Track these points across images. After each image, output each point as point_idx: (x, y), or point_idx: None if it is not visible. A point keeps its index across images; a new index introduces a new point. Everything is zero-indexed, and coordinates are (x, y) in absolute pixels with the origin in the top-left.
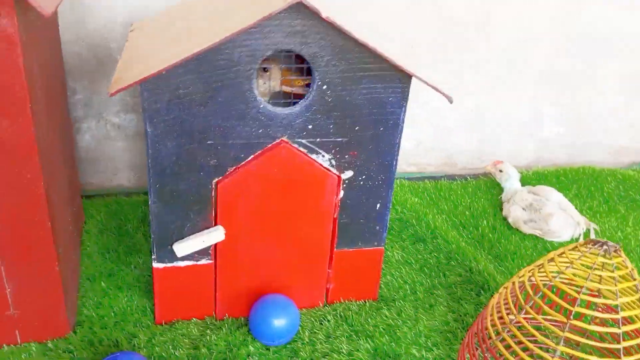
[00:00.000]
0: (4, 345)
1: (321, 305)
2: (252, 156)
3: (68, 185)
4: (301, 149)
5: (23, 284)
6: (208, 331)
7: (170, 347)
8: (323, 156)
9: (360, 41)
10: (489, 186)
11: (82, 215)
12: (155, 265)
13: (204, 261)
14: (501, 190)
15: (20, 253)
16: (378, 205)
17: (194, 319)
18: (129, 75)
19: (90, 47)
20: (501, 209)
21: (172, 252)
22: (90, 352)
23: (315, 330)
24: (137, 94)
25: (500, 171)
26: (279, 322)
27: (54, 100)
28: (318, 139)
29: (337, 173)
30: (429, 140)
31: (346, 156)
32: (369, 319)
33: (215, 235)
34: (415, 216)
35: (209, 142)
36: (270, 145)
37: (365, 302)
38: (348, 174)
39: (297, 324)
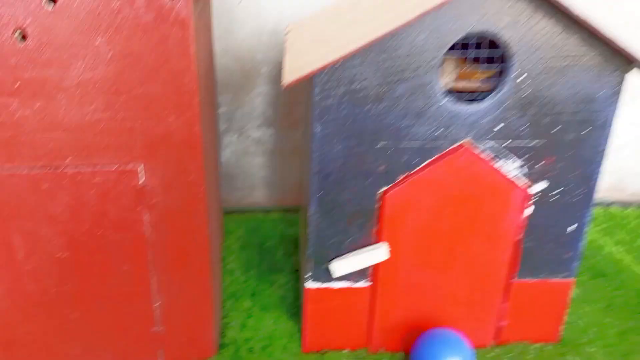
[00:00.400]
0: None
1: (490, 345)
2: (427, 161)
3: (215, 198)
4: (486, 153)
5: (173, 298)
6: None
7: None
8: (513, 162)
9: (582, 18)
10: None
11: (223, 231)
12: (307, 285)
13: (361, 283)
14: None
15: (175, 262)
16: (571, 227)
17: (346, 349)
18: (301, 64)
19: (236, 58)
20: None
21: (327, 271)
22: None
23: None
24: (283, 103)
25: None
26: None
27: (210, 104)
28: (508, 141)
29: (527, 184)
30: None
31: (541, 163)
32: None
33: (377, 253)
34: (590, 247)
35: (380, 144)
36: (449, 149)
37: (544, 345)
38: (540, 186)
39: None
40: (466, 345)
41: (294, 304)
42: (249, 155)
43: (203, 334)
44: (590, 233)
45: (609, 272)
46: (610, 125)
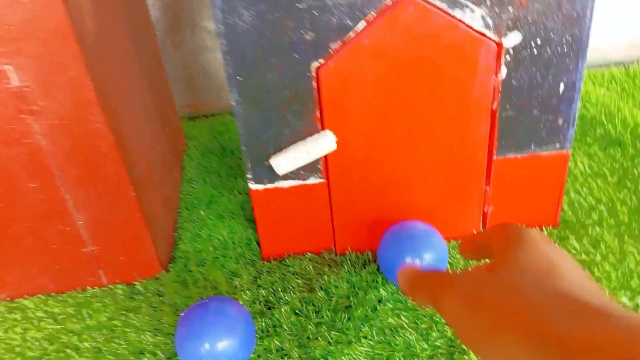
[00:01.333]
0: (88, 287)
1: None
2: (363, 22)
3: (155, 104)
4: (437, 2)
5: (96, 215)
6: (326, 269)
7: (280, 289)
8: (472, 11)
9: None
10: None
11: (182, 138)
12: (252, 186)
13: (313, 179)
14: None
15: (86, 176)
16: (562, 86)
17: (309, 253)
18: None
19: None
20: None
21: (270, 170)
22: (182, 296)
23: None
24: None
25: None
26: (418, 259)
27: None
28: None
29: (496, 38)
30: (613, 18)
31: (509, 8)
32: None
33: (322, 143)
34: (605, 112)
35: (299, 4)
36: (389, 2)
37: (541, 229)
38: (514, 38)
39: (445, 259)
40: (437, 236)
41: None
42: (208, 51)
43: (144, 251)
44: (607, 97)
45: (626, 140)
46: None
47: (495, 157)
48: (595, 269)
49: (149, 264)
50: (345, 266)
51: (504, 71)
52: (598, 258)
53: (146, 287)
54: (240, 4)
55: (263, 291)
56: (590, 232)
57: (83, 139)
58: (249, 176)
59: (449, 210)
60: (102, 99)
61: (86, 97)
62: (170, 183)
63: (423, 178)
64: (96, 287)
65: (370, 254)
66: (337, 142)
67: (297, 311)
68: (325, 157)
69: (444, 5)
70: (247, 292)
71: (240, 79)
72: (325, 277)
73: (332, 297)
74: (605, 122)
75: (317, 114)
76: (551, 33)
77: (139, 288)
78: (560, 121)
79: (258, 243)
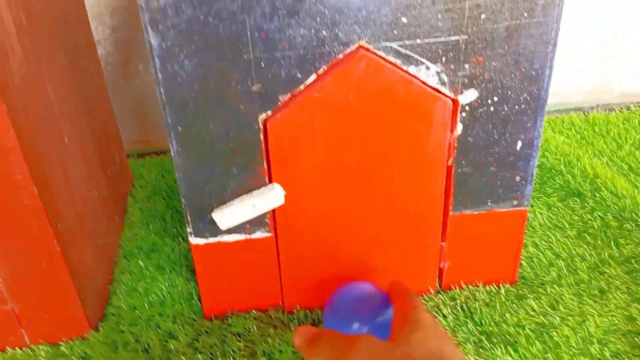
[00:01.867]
0: (8, 348)
1: (433, 292)
2: (314, 75)
3: (95, 145)
4: (391, 58)
5: (17, 270)
6: (271, 330)
7: (219, 353)
8: (428, 68)
9: None
10: None
11: (129, 177)
12: (193, 240)
13: (259, 234)
14: None
15: (2, 228)
16: (519, 144)
17: (254, 311)
18: None
19: None
20: None
21: (213, 223)
22: (112, 359)
23: None
24: None
25: None
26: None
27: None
28: (418, 40)
29: (452, 95)
30: (574, 61)
31: (466, 66)
32: (507, 315)
33: (270, 197)
34: (564, 160)
35: (246, 56)
36: (341, 56)
37: (499, 287)
38: (469, 95)
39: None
40: (384, 301)
41: None
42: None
43: (70, 308)
44: (567, 144)
45: (584, 191)
46: (560, 4)
47: (451, 213)
48: (554, 333)
49: (75, 323)
50: (292, 327)
51: (459, 128)
52: (557, 320)
53: (72, 348)
54: (182, 53)
55: (200, 356)
56: (548, 291)
57: (2, 191)
58: (189, 230)
59: (404, 266)
60: (25, 147)
61: (7, 146)
62: (109, 230)
63: (377, 234)
64: (17, 349)
65: (320, 312)
66: (285, 196)
67: None
68: (273, 210)
69: (398, 61)
70: (182, 357)
71: (181, 129)
72: (270, 340)
73: None
74: (564, 172)
75: (265, 166)
76: (508, 91)
77: (64, 350)
78: (518, 178)
79: (199, 298)
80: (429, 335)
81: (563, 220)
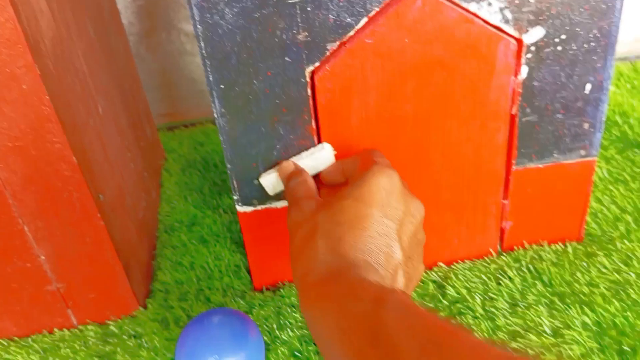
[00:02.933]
0: (56, 329)
1: (495, 254)
2: (365, 18)
3: (127, 117)
4: None
5: (61, 249)
6: None
7: (275, 326)
8: (490, 4)
9: None
10: None
11: (161, 151)
12: (240, 208)
13: None
14: None
15: (45, 205)
16: (588, 87)
17: None
18: None
19: None
20: None
21: (260, 189)
22: (162, 338)
23: (491, 294)
24: None
25: None
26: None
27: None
28: None
29: (517, 34)
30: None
31: (531, 1)
32: (578, 274)
33: (320, 157)
34: (618, 111)
35: (290, 0)
36: None
37: (565, 245)
38: (535, 33)
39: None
40: (244, 332)
41: None
42: (186, 55)
43: (117, 286)
44: (615, 95)
45: None
46: None
47: (514, 167)
48: (631, 291)
49: (123, 301)
50: None
51: (524, 71)
52: (632, 277)
53: (121, 327)
54: (222, 1)
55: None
56: (619, 247)
57: (41, 163)
58: (236, 197)
59: (463, 226)
60: (61, 115)
61: (42, 114)
62: (147, 204)
63: (435, 192)
64: (65, 330)
65: None
66: (337, 156)
67: (296, 352)
68: None
69: None
70: None
71: (224, 87)
72: None
73: None
74: (619, 122)
75: (313, 124)
76: (577, 27)
77: (113, 329)
78: (587, 125)
79: (248, 270)
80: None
81: (624, 173)
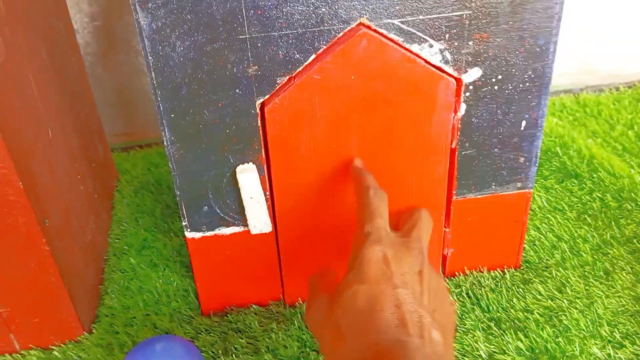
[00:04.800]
0: None
1: None
2: (313, 55)
3: (79, 138)
4: (393, 35)
5: (4, 272)
6: (274, 325)
7: (221, 351)
8: (431, 46)
9: None
10: None
11: (114, 173)
12: (188, 235)
13: None
14: None
15: None
16: (524, 123)
17: (254, 306)
18: None
19: None
20: None
21: (211, 214)
22: None
23: None
24: None
25: None
26: None
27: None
28: (420, 17)
29: (456, 74)
30: (561, 43)
31: (470, 43)
32: (515, 300)
33: (245, 186)
34: (559, 142)
35: (241, 35)
36: (341, 35)
37: (503, 272)
38: (473, 74)
39: None
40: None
41: None
42: (143, 75)
43: (61, 310)
44: (557, 127)
45: (581, 172)
46: None
47: (454, 197)
48: (564, 317)
49: (68, 326)
50: (296, 321)
51: (463, 108)
52: (565, 304)
53: (65, 352)
54: (174, 34)
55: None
56: (554, 274)
57: None
58: (185, 223)
59: None
60: (8, 141)
61: None
62: (96, 227)
63: None
64: (7, 355)
65: None
66: (285, 185)
67: None
68: (273, 200)
69: (400, 39)
70: None
71: (174, 116)
72: (273, 336)
73: (279, 359)
74: (560, 153)
75: (263, 154)
76: (513, 69)
77: (56, 354)
78: (522, 159)
79: (197, 295)
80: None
81: (562, 203)
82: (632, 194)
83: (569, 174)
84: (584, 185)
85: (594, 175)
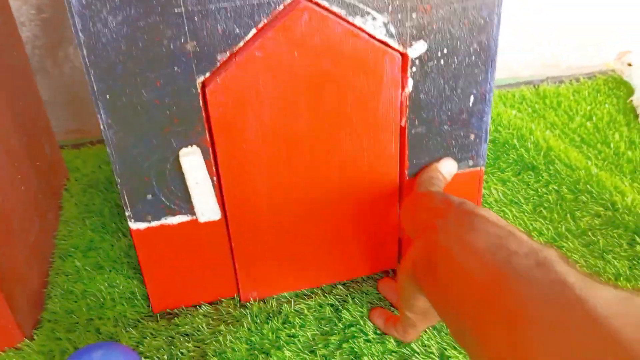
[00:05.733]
0: None
1: (394, 265)
2: (253, 29)
3: (21, 138)
4: (335, 8)
5: None
6: (222, 327)
7: (166, 356)
8: (374, 19)
9: None
10: (611, 87)
11: (63, 171)
12: (132, 225)
13: None
14: (631, 90)
15: None
16: (472, 99)
17: (204, 306)
18: None
19: None
20: (636, 116)
21: (155, 203)
22: None
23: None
24: None
25: (630, 65)
26: None
27: None
28: None
29: (401, 48)
30: (522, 35)
31: (413, 15)
32: None
33: (190, 169)
34: (517, 134)
35: (176, 9)
36: (282, 8)
37: None
38: (419, 47)
39: None
40: None
41: None
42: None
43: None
44: (519, 118)
45: (538, 165)
46: None
47: (407, 177)
48: None
49: (6, 332)
50: (245, 323)
51: (410, 84)
52: None
53: None
54: (105, 8)
55: None
56: None
57: None
58: (128, 213)
59: (362, 240)
60: None
61: None
62: (41, 228)
63: (333, 206)
64: None
65: (274, 303)
66: (233, 170)
67: None
68: (220, 186)
69: (342, 12)
70: None
71: (109, 97)
72: (221, 339)
73: None
74: (517, 146)
75: (207, 137)
76: (458, 41)
77: None
78: (472, 136)
79: (144, 297)
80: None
81: (518, 195)
82: (587, 185)
83: (526, 166)
84: (540, 177)
85: (551, 167)
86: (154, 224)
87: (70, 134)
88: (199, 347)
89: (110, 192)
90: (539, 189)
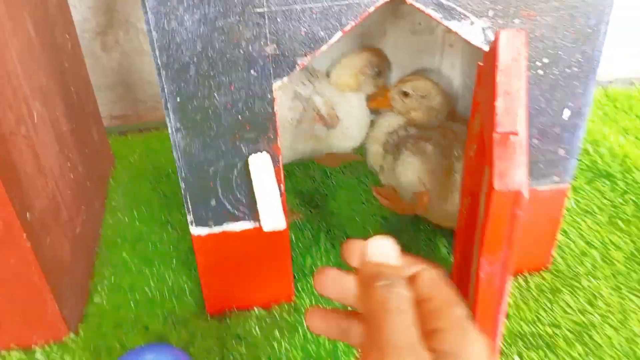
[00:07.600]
0: None
1: None
2: (339, 32)
3: (70, 123)
4: (430, 11)
5: None
6: (276, 332)
7: (217, 358)
8: (472, 23)
9: None
10: None
11: (109, 158)
12: (194, 230)
13: None
14: None
15: None
16: (567, 112)
17: (256, 310)
18: None
19: None
20: None
21: (219, 209)
22: None
23: None
24: None
25: None
26: None
27: None
28: None
29: None
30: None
31: (515, 21)
32: (541, 313)
33: (258, 174)
34: (590, 139)
35: (258, 9)
36: (372, 9)
37: (529, 276)
38: None
39: None
40: None
41: (191, 252)
42: (144, 55)
43: (44, 309)
44: (590, 122)
45: (613, 172)
46: None
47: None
48: (595, 333)
49: (52, 325)
50: (301, 330)
51: None
52: (597, 319)
53: (48, 354)
54: (182, 6)
55: None
56: (584, 284)
57: None
58: (190, 218)
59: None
60: None
61: None
62: (87, 217)
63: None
64: None
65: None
66: None
67: None
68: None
69: (438, 16)
70: None
71: (180, 100)
72: (275, 344)
73: None
74: (590, 151)
75: (278, 143)
76: (560, 51)
77: (39, 356)
78: (562, 152)
79: (193, 295)
80: None
81: (592, 205)
82: None
83: (600, 173)
84: (616, 186)
85: (628, 176)
86: (216, 229)
87: (116, 120)
88: (251, 352)
89: (159, 182)
90: (614, 199)
